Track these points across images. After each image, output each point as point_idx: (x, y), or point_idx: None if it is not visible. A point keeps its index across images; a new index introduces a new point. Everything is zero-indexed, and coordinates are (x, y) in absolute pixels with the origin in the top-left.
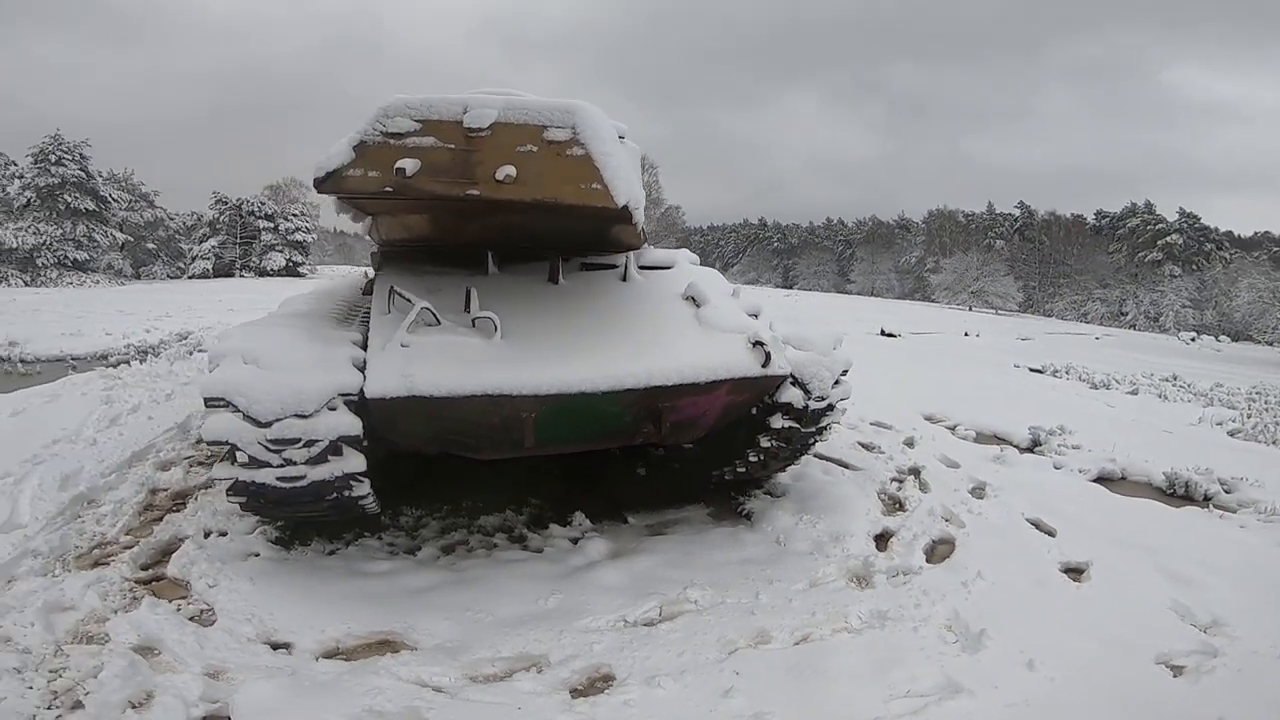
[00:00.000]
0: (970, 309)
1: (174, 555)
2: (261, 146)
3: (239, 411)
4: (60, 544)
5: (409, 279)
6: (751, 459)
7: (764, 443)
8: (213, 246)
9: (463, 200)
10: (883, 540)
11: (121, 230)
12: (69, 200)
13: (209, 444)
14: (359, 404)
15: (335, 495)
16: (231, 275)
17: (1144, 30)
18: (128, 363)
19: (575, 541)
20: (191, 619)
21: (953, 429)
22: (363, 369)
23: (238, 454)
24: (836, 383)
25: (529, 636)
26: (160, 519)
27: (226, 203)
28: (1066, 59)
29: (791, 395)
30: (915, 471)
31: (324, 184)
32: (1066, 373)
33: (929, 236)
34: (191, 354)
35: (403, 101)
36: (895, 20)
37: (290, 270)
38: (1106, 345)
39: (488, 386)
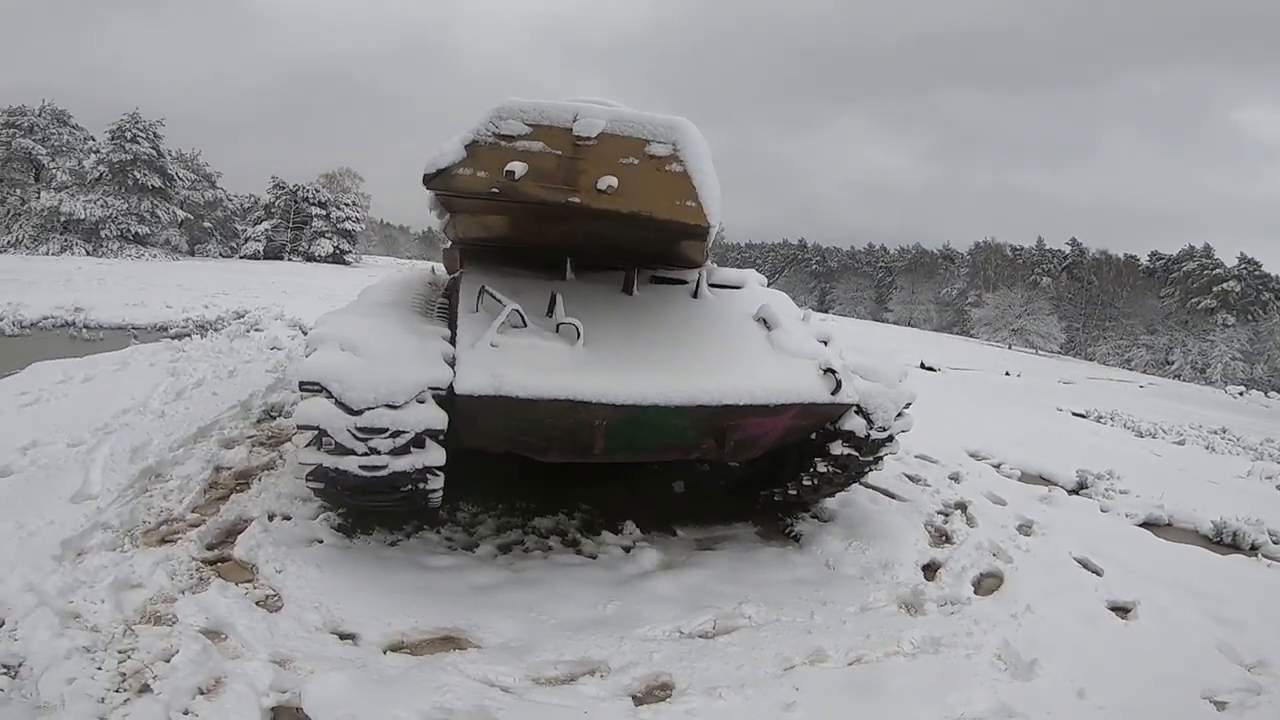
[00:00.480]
0: (1010, 347)
1: (240, 537)
2: (325, 139)
3: (332, 397)
4: (130, 518)
5: (493, 279)
6: (805, 483)
7: (820, 468)
8: (265, 229)
9: (562, 207)
10: (931, 570)
11: (182, 208)
12: (138, 176)
13: (300, 428)
14: (446, 399)
15: (410, 487)
16: (280, 258)
17: (1215, 69)
18: (189, 336)
19: (627, 550)
20: (258, 604)
21: (997, 467)
22: (452, 364)
23: (324, 440)
24: (899, 414)
25: (590, 641)
26: (225, 498)
27: (284, 188)
28: (1131, 95)
29: (854, 424)
30: (962, 506)
31: (433, 180)
32: (1111, 419)
33: (973, 269)
34: (249, 332)
35: (516, 104)
36: (949, 48)
37: (337, 258)
38: (1151, 394)
39: (569, 392)
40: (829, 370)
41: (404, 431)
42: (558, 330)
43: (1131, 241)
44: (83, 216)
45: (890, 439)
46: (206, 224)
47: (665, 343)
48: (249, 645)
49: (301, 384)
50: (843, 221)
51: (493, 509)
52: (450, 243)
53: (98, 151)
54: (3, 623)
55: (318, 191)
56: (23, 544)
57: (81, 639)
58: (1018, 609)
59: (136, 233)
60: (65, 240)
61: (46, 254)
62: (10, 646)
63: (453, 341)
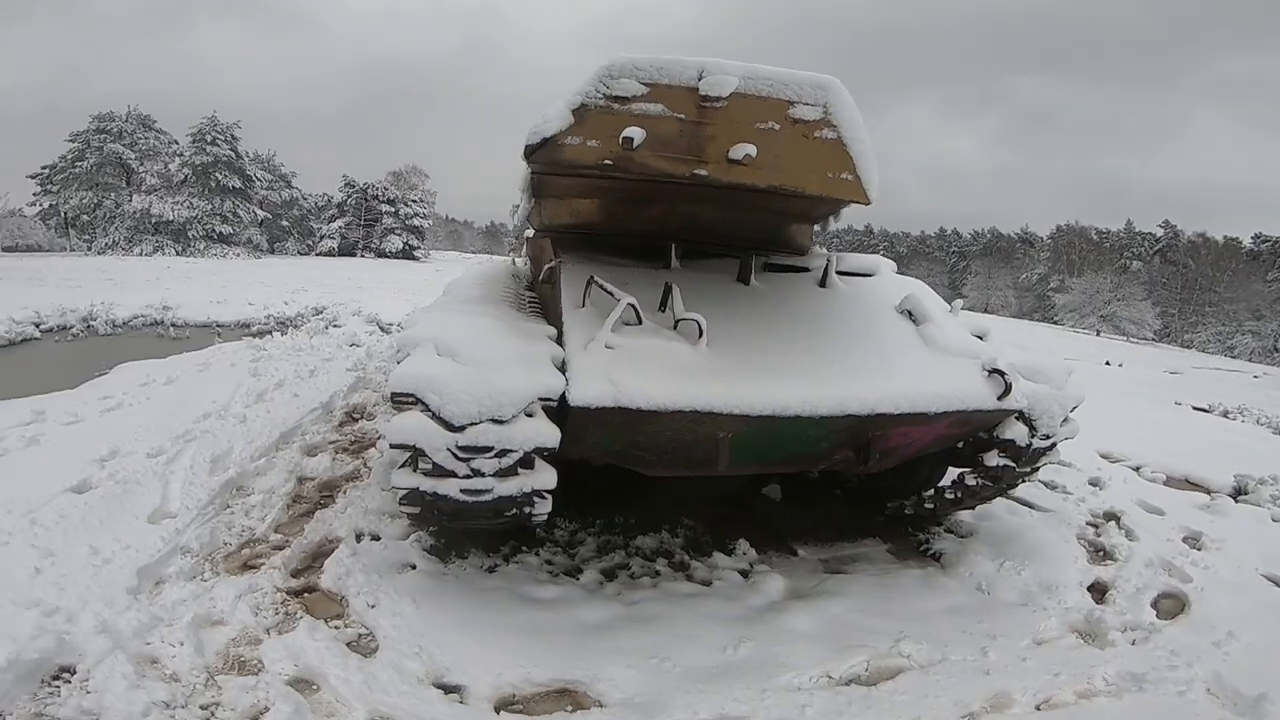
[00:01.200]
0: (1098, 333)
1: (327, 562)
2: (390, 136)
3: (430, 411)
4: (210, 539)
5: (593, 270)
6: (947, 496)
7: (969, 480)
8: (339, 227)
9: (685, 181)
10: (1098, 593)
11: (261, 208)
12: (219, 178)
13: (393, 446)
14: (556, 410)
15: (515, 512)
16: (354, 255)
17: None
18: (270, 333)
19: (745, 575)
20: (351, 645)
21: (1137, 470)
22: (562, 370)
23: (420, 461)
24: (1065, 420)
25: (725, 694)
26: (309, 513)
27: (354, 186)
28: (1220, 75)
29: (1015, 432)
30: (1113, 517)
31: (537, 152)
32: (1240, 414)
33: (1054, 253)
34: (327, 329)
35: (629, 61)
36: (1026, 29)
37: (406, 253)
38: (1269, 385)
39: (698, 402)
40: (995, 371)
41: (511, 450)
42: (675, 328)
43: (1231, 224)
44: (171, 218)
45: (1052, 448)
46: (284, 223)
47: (797, 340)
48: (344, 700)
49: (394, 396)
50: (910, 207)
51: (590, 526)
52: (534, 231)
53: (181, 155)
54: (75, 672)
55: (386, 189)
56: (96, 573)
57: (160, 691)
58: (1218, 636)
59: (221, 232)
60: (157, 241)
61: (140, 255)
62: (83, 701)
63: (558, 342)
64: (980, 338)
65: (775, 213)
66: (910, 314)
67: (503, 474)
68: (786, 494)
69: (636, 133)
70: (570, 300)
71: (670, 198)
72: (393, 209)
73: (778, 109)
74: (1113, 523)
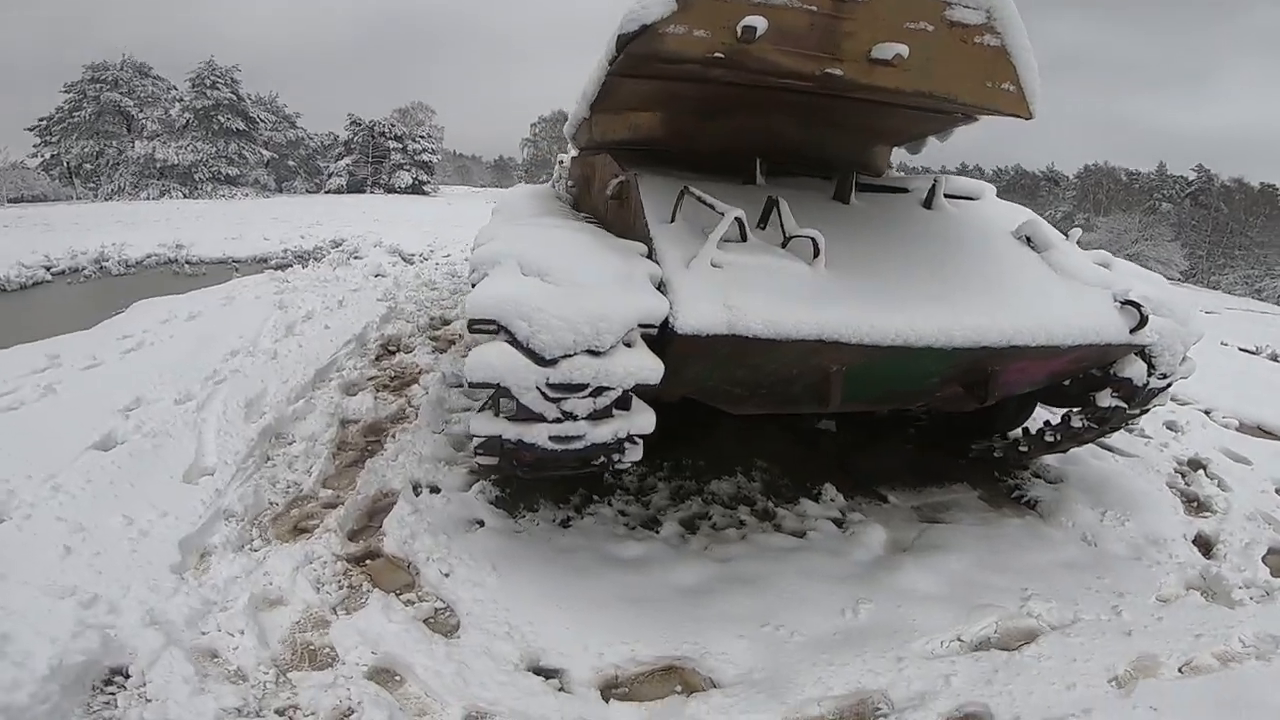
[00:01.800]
0: None
1: (387, 522)
2: (395, 75)
3: (515, 341)
4: (254, 500)
5: (672, 184)
6: (1047, 438)
7: (1075, 421)
8: (346, 164)
9: (809, 82)
10: (1202, 546)
11: (267, 148)
12: (222, 121)
13: (472, 385)
14: (658, 339)
15: (603, 460)
16: (363, 191)
17: None
18: (289, 266)
19: (839, 524)
20: (428, 623)
21: (1207, 413)
22: (662, 291)
23: (503, 401)
24: (1184, 358)
25: (857, 665)
26: (358, 462)
27: (360, 124)
28: (1262, 23)
29: (1134, 370)
30: (1199, 465)
31: (633, 42)
32: None
33: (1081, 192)
34: (350, 260)
35: None
36: None
37: (416, 189)
38: None
39: (825, 330)
40: (1129, 303)
41: (608, 388)
42: (785, 246)
43: (1269, 172)
44: (176, 162)
45: (1168, 388)
46: (291, 162)
47: (913, 265)
48: (436, 695)
49: (472, 323)
50: (930, 145)
51: (658, 469)
52: (577, 151)
53: (181, 100)
54: (128, 675)
55: (393, 126)
56: (134, 549)
57: (228, 696)
58: None
59: (227, 174)
60: (163, 185)
61: (147, 199)
62: (144, 713)
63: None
64: (1105, 267)
65: (867, 131)
66: (1030, 240)
67: (596, 417)
68: (848, 432)
69: (759, 22)
70: (655, 215)
71: (752, 109)
72: (401, 145)
73: (933, 9)
74: (1200, 471)
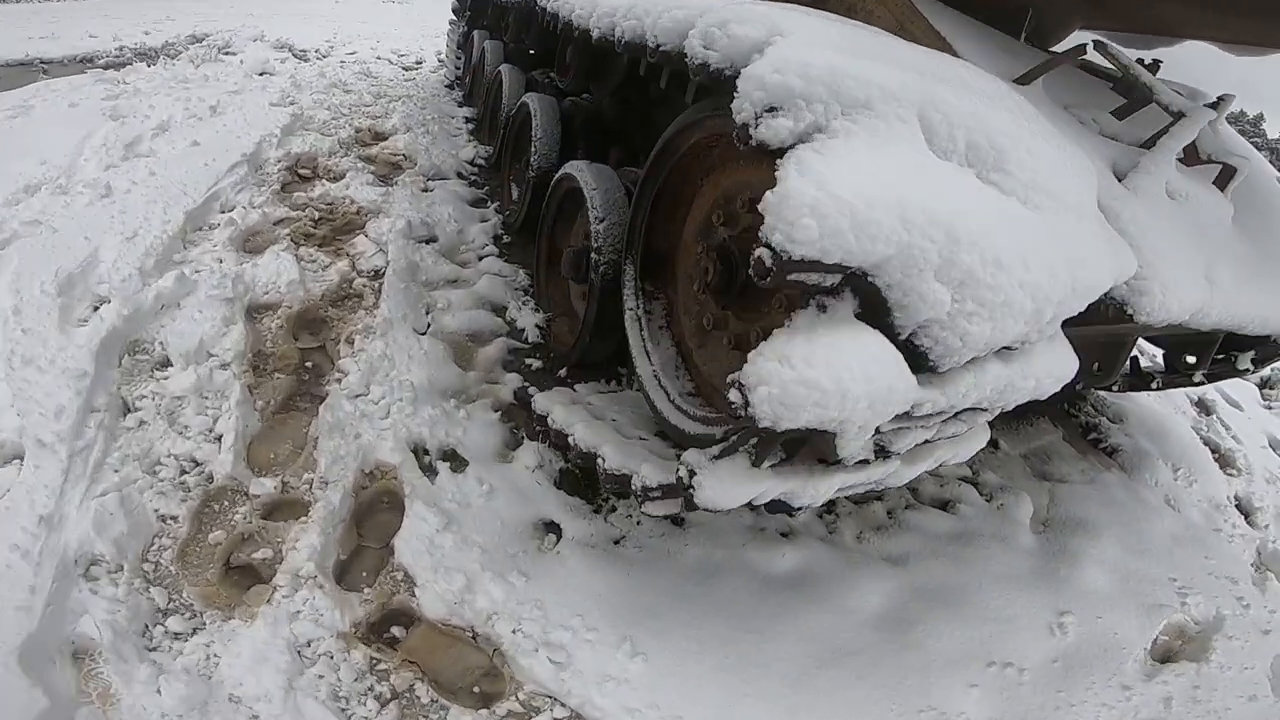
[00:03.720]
0: None
1: (399, 542)
2: None
3: (888, 327)
4: (128, 520)
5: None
6: (1152, 383)
7: (1196, 376)
8: None
9: None
10: (1242, 512)
11: None
12: None
13: (785, 431)
14: None
15: None
16: None
17: None
18: (127, 64)
19: (975, 485)
20: None
21: None
22: None
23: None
24: None
25: (1093, 702)
26: (297, 395)
27: None
28: None
29: None
30: (1207, 409)
31: None
32: None
33: None
34: (219, 56)
35: None
36: None
37: None
38: None
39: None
40: None
41: (979, 409)
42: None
43: None
44: None
45: None
46: None
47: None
48: None
49: (787, 266)
50: None
51: None
52: None
53: None
54: None
55: None
56: None
57: None
58: None
59: None
60: None
61: None
62: None
63: None
64: None
65: None
66: None
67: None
68: None
69: None
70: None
71: None
72: None
73: None
74: (1208, 416)
